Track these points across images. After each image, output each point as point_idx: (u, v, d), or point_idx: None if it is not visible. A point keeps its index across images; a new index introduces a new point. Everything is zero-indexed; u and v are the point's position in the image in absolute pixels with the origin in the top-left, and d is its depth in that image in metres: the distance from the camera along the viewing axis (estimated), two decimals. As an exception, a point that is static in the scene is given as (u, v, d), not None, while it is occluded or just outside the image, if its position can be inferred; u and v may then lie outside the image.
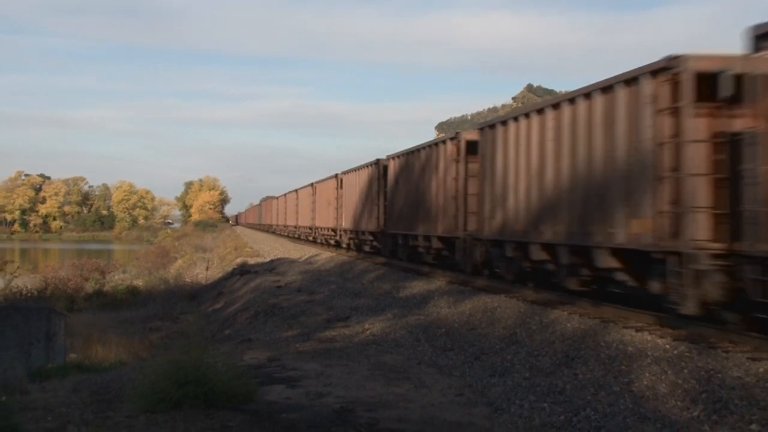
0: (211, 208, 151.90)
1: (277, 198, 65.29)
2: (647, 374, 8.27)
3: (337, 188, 35.33)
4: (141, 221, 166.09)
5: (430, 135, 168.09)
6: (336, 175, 35.96)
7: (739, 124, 9.32)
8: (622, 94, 11.09)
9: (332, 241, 37.55)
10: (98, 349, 17.81)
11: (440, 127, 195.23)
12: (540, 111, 13.95)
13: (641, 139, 10.55)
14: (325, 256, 33.06)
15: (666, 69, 10.04)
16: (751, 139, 8.77)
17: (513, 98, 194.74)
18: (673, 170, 9.88)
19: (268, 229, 74.70)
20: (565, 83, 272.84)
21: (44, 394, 8.74)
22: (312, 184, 44.10)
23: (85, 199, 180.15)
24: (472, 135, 18.74)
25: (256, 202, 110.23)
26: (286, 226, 55.66)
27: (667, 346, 8.95)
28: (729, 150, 9.50)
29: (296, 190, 51.93)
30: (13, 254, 74.69)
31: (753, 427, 6.57)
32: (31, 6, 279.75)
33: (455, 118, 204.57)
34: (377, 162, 27.84)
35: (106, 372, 11.35)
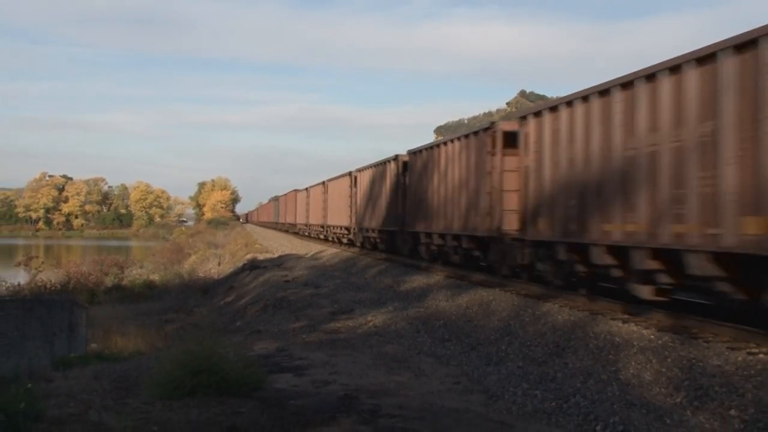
0: (222, 207, 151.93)
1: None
2: (633, 363, 8.28)
3: (323, 193, 38.77)
4: (157, 219, 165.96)
5: (430, 137, 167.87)
6: (323, 182, 39.16)
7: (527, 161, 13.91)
8: (473, 140, 16.73)
9: (321, 236, 40.76)
10: (117, 339, 17.84)
11: (438, 130, 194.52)
12: (438, 146, 19.63)
13: (481, 169, 16.06)
14: (329, 252, 33.05)
15: (489, 128, 15.78)
16: (521, 170, 14.16)
17: (507, 103, 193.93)
18: (494, 188, 15.23)
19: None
20: (556, 89, 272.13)
21: (67, 382, 8.74)
22: (307, 188, 46.34)
23: (105, 198, 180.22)
24: (405, 157, 23.13)
25: (265, 201, 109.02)
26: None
27: (652, 337, 8.96)
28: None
29: (295, 192, 53.61)
30: (38, 250, 74.89)
31: (732, 412, 6.58)
32: (56, 16, 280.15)
33: (453, 121, 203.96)
34: (350, 173, 31.44)
35: (124, 361, 11.35)
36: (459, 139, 17.72)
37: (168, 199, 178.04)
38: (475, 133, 16.57)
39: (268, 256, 36.04)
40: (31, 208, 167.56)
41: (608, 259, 10.81)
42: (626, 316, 10.24)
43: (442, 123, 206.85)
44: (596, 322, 10.14)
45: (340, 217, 34.07)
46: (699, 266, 8.74)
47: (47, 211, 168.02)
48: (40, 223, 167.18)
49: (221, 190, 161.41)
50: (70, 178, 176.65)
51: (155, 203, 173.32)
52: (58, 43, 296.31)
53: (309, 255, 33.81)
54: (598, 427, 6.71)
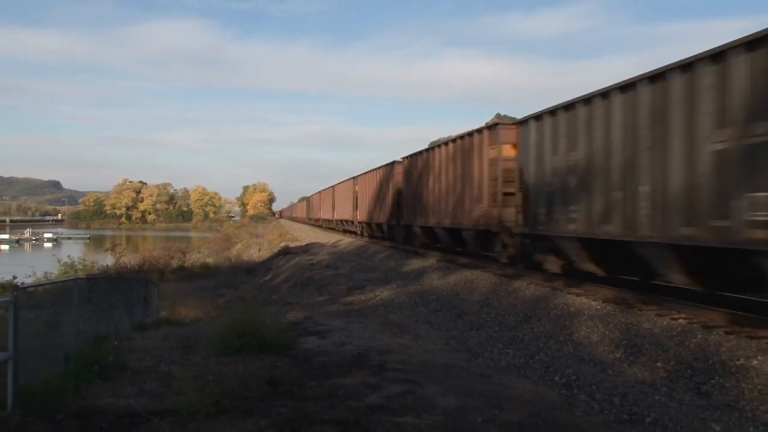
0: (262, 206, 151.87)
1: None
2: (584, 328, 8.30)
3: (332, 193, 41.05)
4: (211, 215, 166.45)
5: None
6: (333, 186, 41.42)
7: None
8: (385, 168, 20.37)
9: (329, 226, 43.79)
10: (181, 309, 17.86)
11: (432, 144, 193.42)
12: (373, 170, 23.76)
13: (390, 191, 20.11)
14: (346, 241, 32.96)
15: (399, 162, 19.52)
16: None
17: (486, 123, 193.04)
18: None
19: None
20: (526, 112, 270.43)
21: (143, 341, 8.81)
22: (320, 192, 49.02)
23: (171, 199, 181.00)
24: (359, 176, 27.85)
25: (296, 201, 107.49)
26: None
27: (599, 307, 8.96)
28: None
29: (295, 199, 56.58)
30: (121, 240, 75.13)
31: (658, 364, 6.61)
32: (135, 59, 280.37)
33: (444, 137, 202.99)
34: (354, 178, 33.04)
35: (187, 326, 11.40)
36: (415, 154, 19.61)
37: (219, 199, 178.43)
38: (427, 150, 18.43)
39: (298, 244, 36.02)
40: (116, 206, 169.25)
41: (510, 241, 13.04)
42: (579, 291, 10.25)
43: (435, 138, 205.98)
44: (556, 296, 10.15)
45: (345, 212, 36.19)
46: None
47: (128, 209, 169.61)
48: (123, 219, 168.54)
49: (261, 192, 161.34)
50: (145, 183, 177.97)
51: (210, 202, 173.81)
52: (137, 79, 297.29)
53: (330, 243, 33.72)
54: (556, 377, 6.73)
